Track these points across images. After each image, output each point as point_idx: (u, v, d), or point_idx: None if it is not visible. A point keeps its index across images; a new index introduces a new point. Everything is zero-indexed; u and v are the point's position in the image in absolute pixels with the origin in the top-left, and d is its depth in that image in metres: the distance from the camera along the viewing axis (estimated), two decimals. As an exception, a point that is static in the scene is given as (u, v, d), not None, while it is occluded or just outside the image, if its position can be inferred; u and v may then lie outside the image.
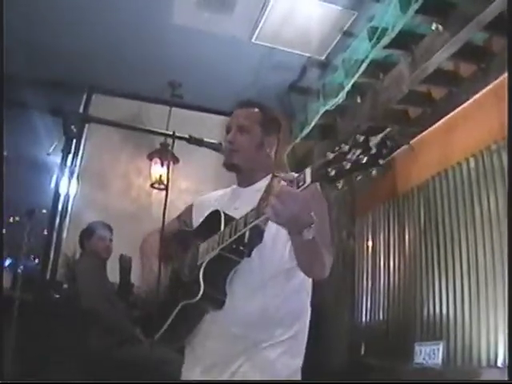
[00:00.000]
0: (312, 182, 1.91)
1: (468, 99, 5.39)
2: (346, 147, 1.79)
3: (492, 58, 5.04)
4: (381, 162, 1.73)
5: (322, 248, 2.27)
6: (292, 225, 2.05)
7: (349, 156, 1.77)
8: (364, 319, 6.57)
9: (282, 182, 2.19)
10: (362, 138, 1.76)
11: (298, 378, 2.54)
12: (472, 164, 5.14)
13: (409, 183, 6.02)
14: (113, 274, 5.59)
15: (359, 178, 1.83)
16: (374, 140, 1.73)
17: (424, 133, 5.97)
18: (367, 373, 5.70)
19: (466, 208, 5.13)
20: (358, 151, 1.75)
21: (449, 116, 5.67)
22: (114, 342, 5.05)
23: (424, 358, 5.09)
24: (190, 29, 5.82)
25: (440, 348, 4.97)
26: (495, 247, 4.63)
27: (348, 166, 1.77)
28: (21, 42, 5.95)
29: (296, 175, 2.01)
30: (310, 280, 2.62)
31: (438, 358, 4.93)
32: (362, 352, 6.27)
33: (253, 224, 2.20)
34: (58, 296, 5.87)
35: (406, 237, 6.06)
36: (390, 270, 6.22)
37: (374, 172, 1.77)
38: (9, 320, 4.83)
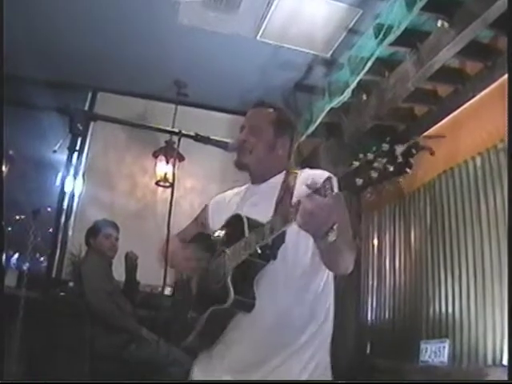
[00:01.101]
0: (340, 190, 1.93)
1: (474, 97, 5.38)
2: (371, 156, 1.80)
3: (498, 55, 5.03)
4: (408, 170, 1.73)
5: (345, 246, 2.31)
6: (318, 231, 2.09)
7: (375, 165, 1.78)
8: (370, 318, 6.57)
9: (306, 188, 2.20)
10: (386, 147, 1.76)
11: (329, 372, 2.57)
12: (478, 162, 5.12)
13: (415, 181, 6.00)
14: (118, 272, 5.61)
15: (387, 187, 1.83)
16: (400, 149, 1.73)
17: (430, 131, 5.96)
18: (373, 371, 5.70)
19: (473, 207, 5.12)
20: (384, 160, 1.76)
21: (455, 114, 5.66)
22: (120, 342, 5.06)
23: (430, 356, 5.08)
24: (195, 27, 5.82)
25: (446, 346, 4.96)
26: (501, 246, 4.62)
27: (375, 175, 1.78)
28: (26, 41, 5.96)
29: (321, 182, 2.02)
30: (332, 278, 2.65)
31: (444, 356, 4.93)
32: (368, 350, 6.26)
33: (280, 231, 2.22)
34: (63, 294, 5.87)
35: (412, 235, 6.05)
36: (395, 269, 6.22)
37: (401, 180, 1.77)
38: (14, 319, 4.83)
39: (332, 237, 2.07)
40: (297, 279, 2.51)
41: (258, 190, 2.75)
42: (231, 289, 2.35)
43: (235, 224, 2.51)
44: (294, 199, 2.26)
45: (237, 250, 2.42)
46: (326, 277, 2.60)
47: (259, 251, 2.37)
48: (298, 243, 2.48)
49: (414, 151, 1.73)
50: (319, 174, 2.48)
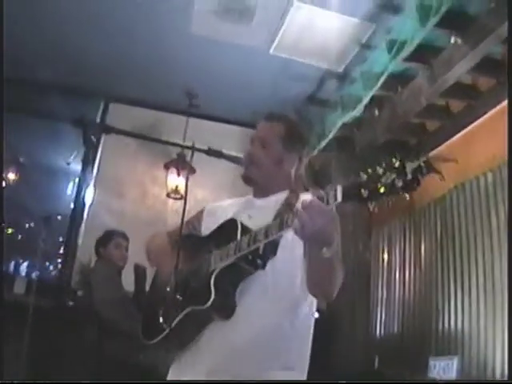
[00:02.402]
0: (344, 200, 1.88)
1: (486, 113, 5.38)
2: (381, 170, 1.79)
3: (511, 71, 5.03)
4: (416, 187, 1.73)
5: (338, 266, 2.22)
6: (315, 240, 2.01)
7: (383, 179, 1.77)
8: (378, 332, 6.55)
9: (309, 196, 2.15)
10: (397, 163, 1.76)
11: None
12: (489, 178, 5.12)
13: (425, 196, 6.00)
14: (127, 281, 5.60)
15: (391, 201, 1.83)
16: (411, 166, 1.73)
17: (442, 146, 5.96)
18: (381, 384, 5.69)
19: (483, 222, 5.12)
20: (393, 175, 1.75)
21: (467, 130, 5.66)
22: (128, 351, 5.05)
23: (438, 373, 5.06)
24: (208, 39, 5.83)
25: (455, 362, 4.94)
26: (512, 261, 4.61)
27: (382, 188, 1.77)
28: (42, 52, 6.00)
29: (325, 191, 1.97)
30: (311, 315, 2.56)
31: (453, 373, 4.91)
32: (376, 365, 6.24)
33: (275, 236, 2.15)
34: (72, 303, 5.87)
35: (422, 250, 6.04)
36: (405, 283, 6.21)
37: (407, 196, 1.77)
38: (22, 326, 4.85)
39: (328, 253, 2.01)
40: (286, 298, 2.44)
41: (257, 204, 2.70)
42: (213, 290, 2.28)
43: (229, 228, 2.47)
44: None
45: (226, 251, 2.36)
46: (312, 300, 2.51)
47: (249, 257, 2.32)
48: (292, 261, 2.40)
49: (424, 171, 1.73)
50: None
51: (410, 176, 1.73)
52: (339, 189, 1.89)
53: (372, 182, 1.81)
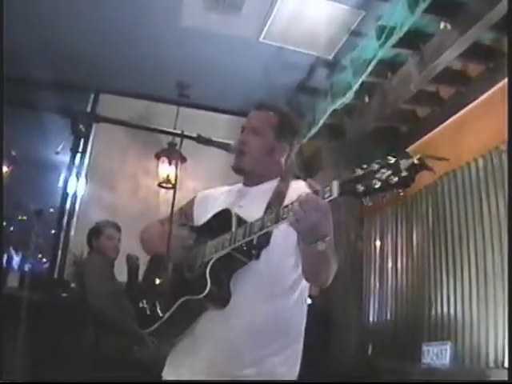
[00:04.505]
0: (339, 195, 1.91)
1: (476, 99, 5.39)
2: (376, 166, 1.81)
3: (500, 57, 5.03)
4: (410, 184, 1.75)
5: (332, 255, 2.28)
6: (309, 234, 2.06)
7: (378, 175, 1.79)
8: (372, 319, 6.57)
9: (300, 184, 2.17)
10: (392, 160, 1.78)
11: None
12: (481, 164, 5.13)
13: (417, 183, 5.98)
14: (120, 273, 5.59)
15: (385, 197, 1.84)
16: (405, 163, 1.75)
17: (432, 132, 5.96)
18: (374, 373, 5.70)
19: (475, 208, 5.12)
20: (389, 172, 1.77)
21: (457, 116, 5.66)
22: (122, 343, 5.05)
23: (432, 359, 5.08)
24: (197, 29, 5.82)
25: (448, 348, 4.96)
26: (504, 247, 4.62)
27: (378, 184, 1.79)
28: (29, 44, 5.96)
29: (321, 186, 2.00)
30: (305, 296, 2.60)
31: (446, 359, 4.92)
32: (370, 352, 6.26)
33: (270, 229, 2.18)
34: (65, 295, 5.86)
35: (414, 237, 6.05)
36: (397, 271, 6.22)
37: (401, 192, 1.79)
38: (16, 319, 4.84)
39: (322, 246, 2.06)
40: (280, 287, 2.47)
41: (248, 193, 2.70)
42: (209, 280, 2.30)
43: (223, 218, 2.47)
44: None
45: (221, 242, 2.37)
46: (304, 288, 2.55)
47: (244, 248, 2.34)
48: (284, 251, 2.45)
49: (418, 168, 1.74)
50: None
51: (404, 173, 1.74)
52: (335, 184, 1.92)
53: (367, 177, 1.82)
